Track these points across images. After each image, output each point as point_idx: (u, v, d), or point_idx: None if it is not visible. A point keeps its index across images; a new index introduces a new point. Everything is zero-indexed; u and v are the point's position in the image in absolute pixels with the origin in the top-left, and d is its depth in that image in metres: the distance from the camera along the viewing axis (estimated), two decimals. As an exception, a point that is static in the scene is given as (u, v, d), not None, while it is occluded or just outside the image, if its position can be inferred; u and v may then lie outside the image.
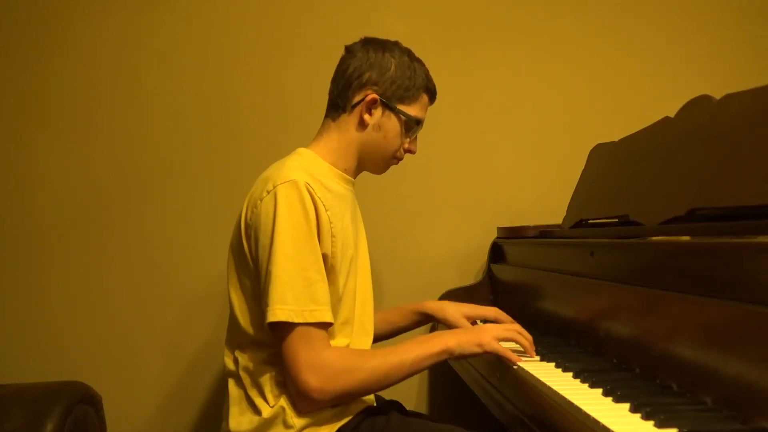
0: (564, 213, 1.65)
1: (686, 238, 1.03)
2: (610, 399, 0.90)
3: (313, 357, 1.11)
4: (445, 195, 2.02)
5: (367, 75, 1.29)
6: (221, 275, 1.29)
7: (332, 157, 1.31)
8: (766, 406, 0.75)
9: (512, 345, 1.23)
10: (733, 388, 0.82)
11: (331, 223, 1.18)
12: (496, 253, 1.92)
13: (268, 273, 1.12)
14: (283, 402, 1.16)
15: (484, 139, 2.04)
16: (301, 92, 1.96)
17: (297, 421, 1.15)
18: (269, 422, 1.16)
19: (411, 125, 1.33)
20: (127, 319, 1.95)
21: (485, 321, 1.46)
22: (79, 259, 1.95)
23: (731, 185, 1.01)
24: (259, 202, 1.17)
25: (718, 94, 1.15)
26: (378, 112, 1.29)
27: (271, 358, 1.18)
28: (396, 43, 1.34)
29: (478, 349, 1.17)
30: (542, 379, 1.03)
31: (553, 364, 1.14)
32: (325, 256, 1.17)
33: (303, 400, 1.13)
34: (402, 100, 1.30)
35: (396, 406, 1.41)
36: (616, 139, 1.53)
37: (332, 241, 1.19)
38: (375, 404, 1.29)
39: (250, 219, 1.19)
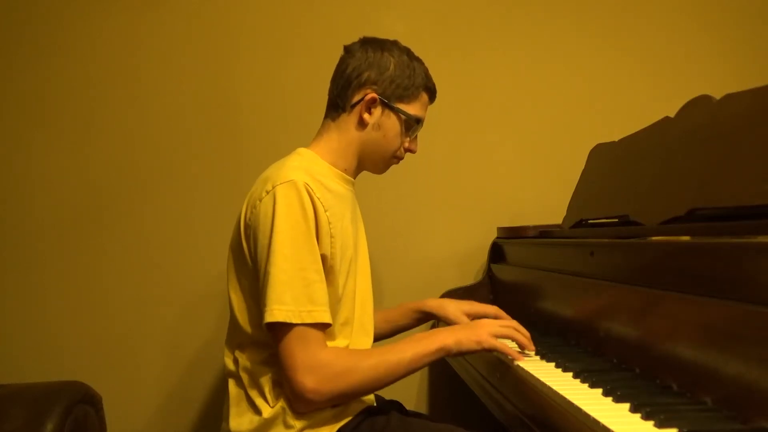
0: (564, 213, 1.65)
1: (686, 238, 1.03)
2: (610, 399, 0.90)
3: (309, 358, 1.11)
4: (445, 195, 2.02)
5: (366, 74, 1.28)
6: (221, 275, 1.29)
7: (332, 157, 1.31)
8: (766, 406, 0.75)
9: (510, 343, 1.22)
10: (733, 388, 0.82)
11: (330, 223, 1.18)
12: (496, 253, 1.92)
13: (266, 273, 1.12)
14: (283, 402, 1.16)
15: (484, 139, 2.04)
16: (301, 92, 1.96)
17: (297, 422, 1.15)
18: (269, 422, 1.16)
19: (411, 124, 1.33)
20: (127, 319, 1.95)
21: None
22: (79, 259, 1.95)
23: (731, 185, 1.01)
24: (258, 202, 1.17)
25: (718, 94, 1.15)
26: (377, 111, 1.29)
27: (271, 358, 1.18)
28: (395, 43, 1.34)
29: (476, 346, 1.17)
30: (542, 379, 1.03)
31: (553, 364, 1.14)
32: (324, 257, 1.17)
33: (299, 401, 1.13)
34: (401, 99, 1.30)
35: (396, 406, 1.41)
36: (616, 139, 1.53)
37: (331, 242, 1.19)
38: (375, 404, 1.29)
39: (250, 219, 1.18)
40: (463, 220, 2.02)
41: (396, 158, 1.37)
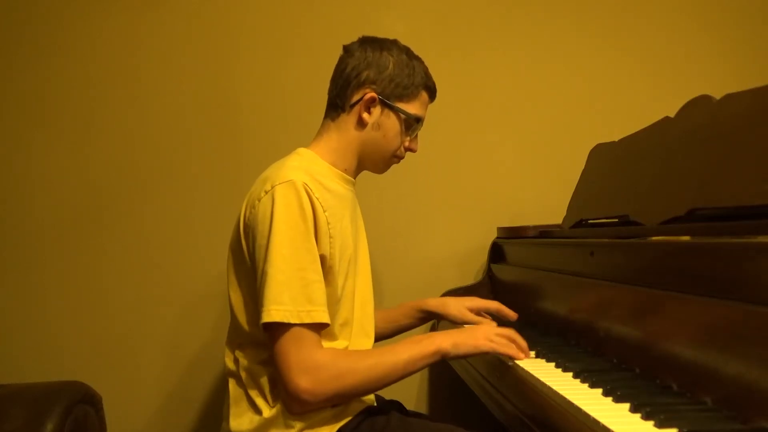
0: (564, 213, 1.65)
1: (686, 238, 1.03)
2: (610, 399, 0.90)
3: (305, 359, 1.10)
4: (445, 195, 2.02)
5: (365, 74, 1.28)
6: (221, 275, 1.29)
7: (332, 157, 1.31)
8: (766, 406, 0.75)
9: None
10: (733, 388, 0.82)
11: (328, 223, 1.18)
12: (496, 253, 1.92)
13: (264, 273, 1.12)
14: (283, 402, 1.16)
15: (484, 139, 2.04)
16: (301, 92, 1.96)
17: (297, 421, 1.15)
18: (269, 422, 1.16)
19: (411, 123, 1.33)
20: (127, 319, 1.95)
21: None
22: (79, 259, 1.95)
23: (731, 185, 1.01)
24: (257, 202, 1.17)
25: (718, 94, 1.15)
26: (377, 110, 1.29)
27: (272, 358, 1.17)
28: (394, 42, 1.33)
29: (473, 350, 1.17)
30: (542, 379, 1.03)
31: (553, 364, 1.14)
32: (322, 257, 1.17)
33: (294, 402, 1.13)
34: (401, 98, 1.30)
35: (396, 406, 1.41)
36: (616, 139, 1.53)
37: (330, 242, 1.18)
38: (375, 404, 1.29)
39: (248, 219, 1.18)
40: (463, 220, 2.02)
41: (396, 158, 1.36)
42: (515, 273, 1.78)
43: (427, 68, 1.35)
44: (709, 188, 1.05)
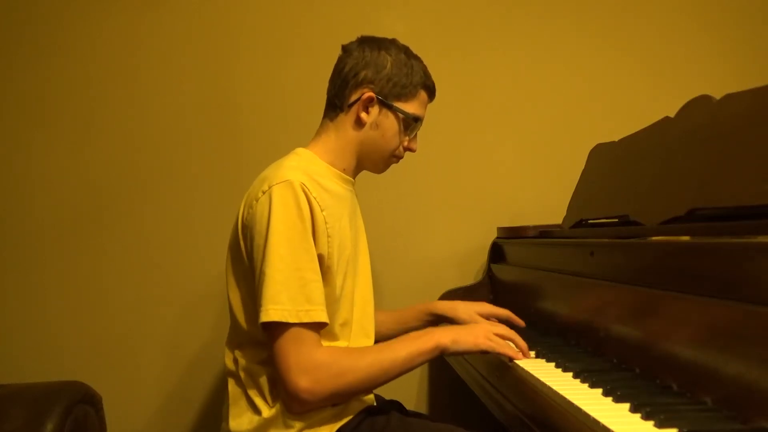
0: (564, 213, 1.65)
1: (686, 238, 1.03)
2: (610, 399, 0.90)
3: (304, 358, 1.10)
4: (445, 195, 2.02)
5: (363, 73, 1.28)
6: (221, 275, 1.29)
7: (330, 157, 1.30)
8: (766, 406, 0.75)
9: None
10: (733, 388, 0.82)
11: (326, 223, 1.18)
12: (496, 253, 1.92)
13: (261, 273, 1.12)
14: (282, 402, 1.16)
15: (484, 139, 2.04)
16: (301, 92, 1.95)
17: (296, 421, 1.15)
18: (269, 422, 1.16)
19: (409, 123, 1.32)
20: (127, 319, 1.95)
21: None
22: (79, 259, 1.95)
23: (731, 185, 1.01)
24: (254, 202, 1.17)
25: (718, 94, 1.15)
26: (375, 110, 1.29)
27: (271, 358, 1.17)
28: (393, 41, 1.33)
29: (472, 347, 1.17)
30: (542, 379, 1.03)
31: (553, 364, 1.14)
32: (321, 257, 1.17)
33: (293, 402, 1.13)
34: (399, 98, 1.30)
35: (396, 406, 1.41)
36: (616, 139, 1.53)
37: (328, 242, 1.18)
38: (375, 404, 1.29)
39: (246, 219, 1.18)
40: (463, 220, 2.02)
41: (395, 157, 1.36)
42: (515, 273, 1.78)
43: (426, 67, 1.34)
44: (709, 188, 1.05)
